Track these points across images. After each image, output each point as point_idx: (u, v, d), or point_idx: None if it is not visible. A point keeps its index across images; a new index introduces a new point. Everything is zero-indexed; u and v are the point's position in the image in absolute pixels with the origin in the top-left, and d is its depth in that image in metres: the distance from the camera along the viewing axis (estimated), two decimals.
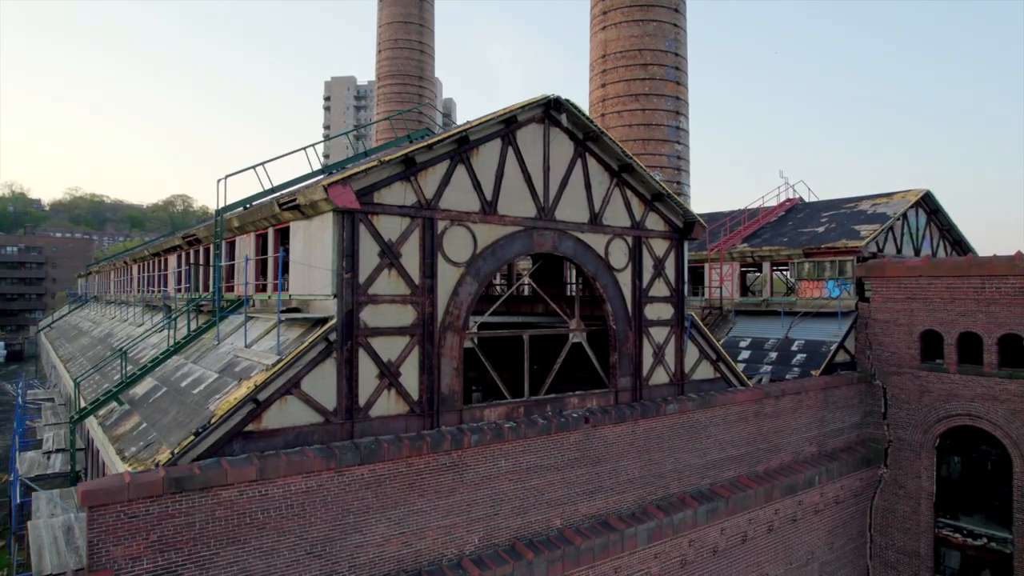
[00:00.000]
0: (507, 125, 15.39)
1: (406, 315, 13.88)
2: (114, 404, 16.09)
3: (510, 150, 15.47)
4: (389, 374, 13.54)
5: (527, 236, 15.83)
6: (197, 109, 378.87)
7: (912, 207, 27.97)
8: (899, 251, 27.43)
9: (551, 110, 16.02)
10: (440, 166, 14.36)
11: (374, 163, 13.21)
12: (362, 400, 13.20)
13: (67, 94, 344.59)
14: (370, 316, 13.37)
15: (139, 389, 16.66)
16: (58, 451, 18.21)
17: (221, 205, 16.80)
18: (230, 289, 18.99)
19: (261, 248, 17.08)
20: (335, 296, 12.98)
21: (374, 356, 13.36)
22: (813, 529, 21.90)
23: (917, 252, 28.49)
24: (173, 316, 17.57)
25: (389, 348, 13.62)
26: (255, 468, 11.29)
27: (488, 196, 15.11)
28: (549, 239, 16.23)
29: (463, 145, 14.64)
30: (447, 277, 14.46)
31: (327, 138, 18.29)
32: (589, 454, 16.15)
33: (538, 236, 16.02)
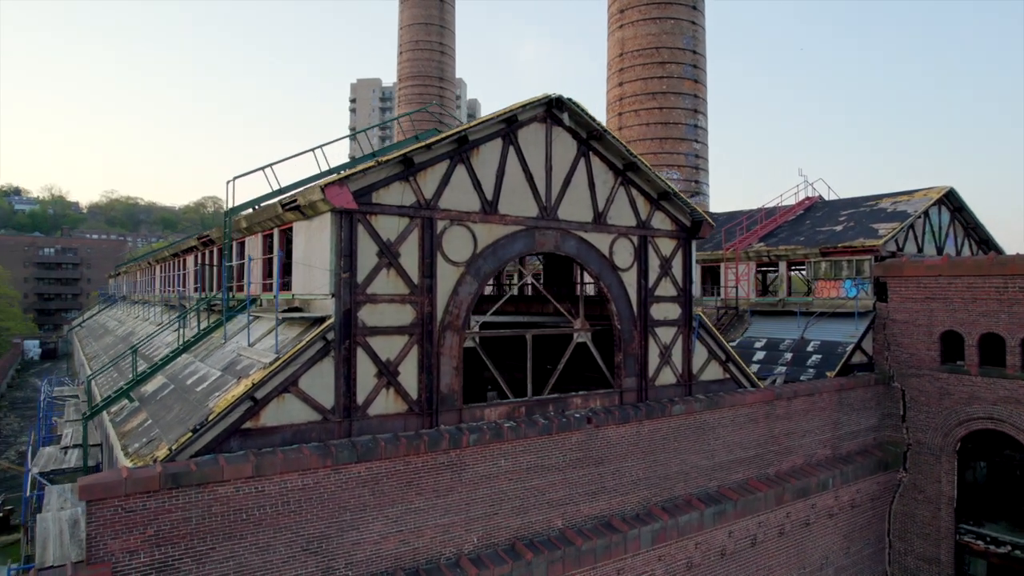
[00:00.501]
0: (508, 125, 15.41)
1: (405, 314, 13.98)
2: (125, 401, 16.46)
3: (511, 150, 15.48)
4: (388, 373, 13.65)
5: (529, 236, 15.83)
6: (228, 113, 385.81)
7: (934, 205, 27.35)
8: (920, 250, 26.85)
9: (553, 109, 16.00)
10: (439, 166, 14.43)
11: (372, 164, 13.33)
12: (360, 399, 13.33)
13: (103, 99, 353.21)
14: (368, 315, 13.49)
15: (149, 387, 17.02)
16: (75, 447, 18.69)
17: (230, 206, 17.11)
18: (241, 289, 19.29)
19: (268, 248, 17.33)
20: (333, 296, 13.13)
21: (372, 355, 13.48)
22: (827, 533, 21.54)
23: (940, 251, 27.86)
24: (183, 315, 17.92)
25: (388, 347, 13.73)
26: (251, 465, 11.46)
27: (489, 196, 15.15)
28: (551, 239, 16.21)
29: (463, 145, 14.70)
30: (447, 277, 14.52)
31: (345, 138, 18.59)
32: (592, 454, 16.09)
33: (540, 236, 16.01)
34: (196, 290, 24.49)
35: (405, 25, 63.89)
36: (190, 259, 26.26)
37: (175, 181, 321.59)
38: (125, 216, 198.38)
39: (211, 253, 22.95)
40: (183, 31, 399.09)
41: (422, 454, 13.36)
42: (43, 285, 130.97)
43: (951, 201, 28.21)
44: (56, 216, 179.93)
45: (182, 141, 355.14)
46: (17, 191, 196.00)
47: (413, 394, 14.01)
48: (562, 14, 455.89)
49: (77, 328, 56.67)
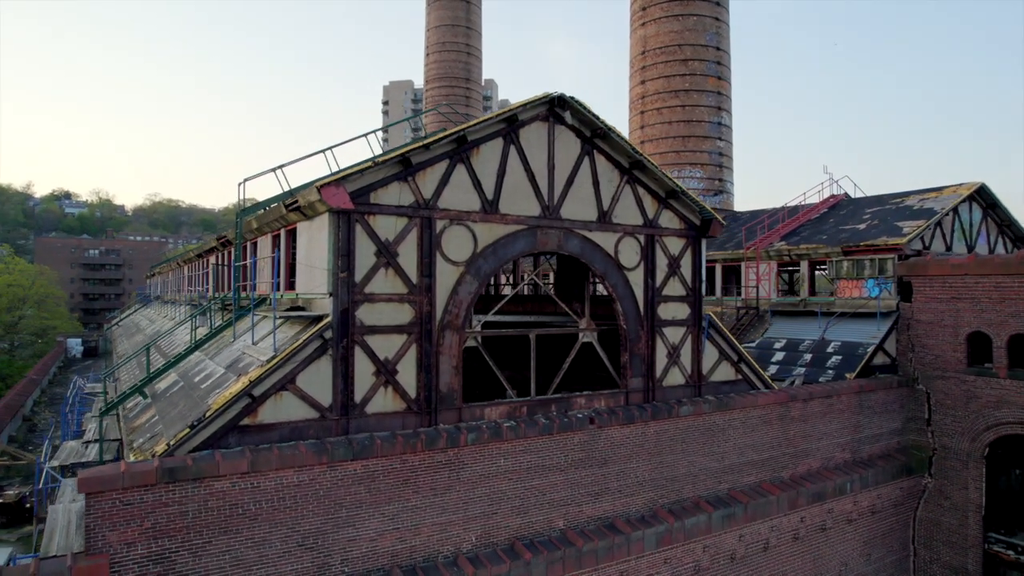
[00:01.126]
0: (509, 124, 15.42)
1: (403, 313, 14.10)
2: (139, 398, 16.93)
3: (512, 149, 15.49)
4: (386, 371, 13.78)
5: (531, 235, 15.82)
6: (267, 118, 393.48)
7: (964, 201, 26.52)
8: (949, 248, 26.07)
9: (556, 108, 15.96)
10: (439, 166, 14.52)
11: (369, 164, 13.48)
12: (358, 397, 13.48)
13: (150, 105, 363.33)
14: (366, 314, 13.64)
15: (163, 384, 17.48)
16: (95, 441, 19.28)
17: (241, 208, 17.47)
18: (254, 288, 19.66)
19: (277, 249, 17.64)
20: (331, 295, 13.31)
21: (370, 354, 13.62)
22: (846, 539, 21.05)
23: (971, 249, 27.01)
24: (195, 314, 18.35)
25: (386, 346, 13.86)
26: (247, 460, 11.68)
27: (489, 195, 15.19)
28: (554, 238, 16.17)
29: (462, 145, 14.76)
30: (446, 276, 14.60)
31: (354, 139, 19.00)
32: (595, 455, 16.01)
33: (542, 235, 15.99)
34: (219, 290, 25.03)
35: (432, 27, 64.36)
36: (212, 259, 26.86)
37: (215, 184, 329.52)
38: (167, 218, 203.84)
39: (229, 253, 23.44)
40: (225, 38, 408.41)
41: (419, 452, 13.45)
42: (88, 285, 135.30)
43: (983, 197, 27.33)
44: (103, 219, 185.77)
45: (223, 145, 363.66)
46: (68, 195, 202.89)
47: (412, 393, 14.12)
48: (594, 12, 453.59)
49: (115, 327, 58.41)
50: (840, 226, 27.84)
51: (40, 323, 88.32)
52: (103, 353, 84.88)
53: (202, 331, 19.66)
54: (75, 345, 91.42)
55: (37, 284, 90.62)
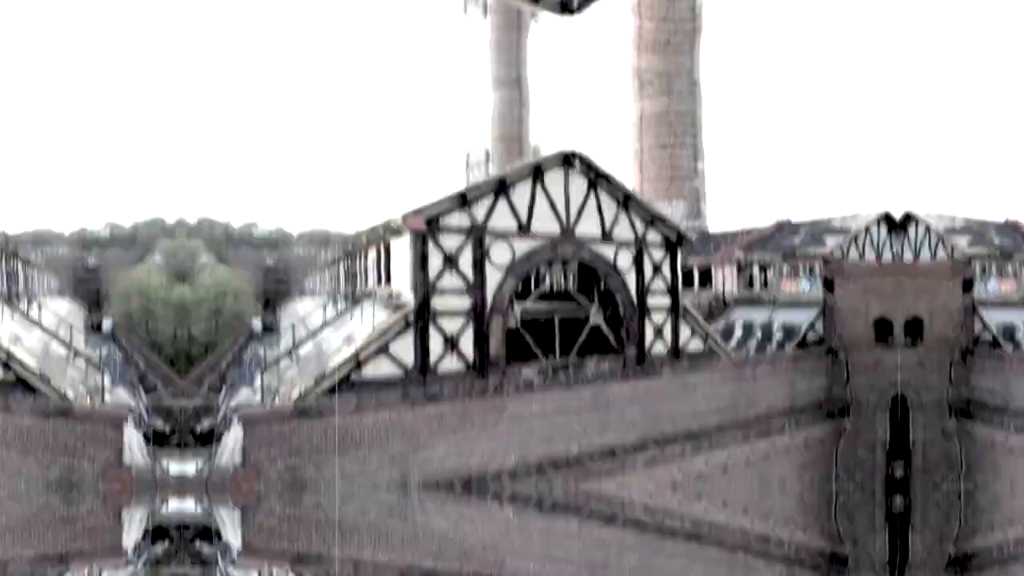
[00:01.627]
0: (535, 170, 14.95)
1: (463, 302, 13.81)
2: (287, 360, 17.13)
3: (539, 187, 15.01)
4: (451, 343, 13.52)
5: (552, 248, 15.33)
6: None
7: (875, 223, 24.77)
8: (862, 257, 24.39)
9: (568, 158, 15.41)
10: (486, 200, 14.16)
11: (438, 200, 13.27)
12: (432, 360, 13.25)
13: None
14: (437, 303, 13.40)
15: (303, 350, 17.65)
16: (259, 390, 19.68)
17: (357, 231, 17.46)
18: (365, 284, 19.69)
19: (379, 257, 17.58)
20: (412, 289, 13.13)
21: (440, 330, 13.38)
22: (784, 465, 19.84)
23: (879, 258, 25.23)
24: (326, 303, 18.51)
25: (451, 325, 13.59)
26: (354, 403, 11.62)
27: (523, 219, 14.75)
28: (569, 249, 15.64)
29: (503, 185, 14.38)
30: (492, 276, 14.22)
31: None
32: (601, 402, 15.42)
33: (561, 248, 15.47)
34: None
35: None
36: (341, 265, 27.22)
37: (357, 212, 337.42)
38: (320, 239, 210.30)
39: (352, 261, 23.64)
40: None
41: (474, 399, 13.16)
42: (266, 283, 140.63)
43: (888, 221, 25.49)
44: (276, 240, 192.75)
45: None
46: (255, 224, 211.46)
47: (469, 358, 13.82)
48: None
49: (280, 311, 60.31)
50: (783, 241, 26.43)
51: (237, 307, 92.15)
52: (274, 329, 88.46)
53: (332, 314, 19.86)
54: (257, 324, 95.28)
55: (233, 282, 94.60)
